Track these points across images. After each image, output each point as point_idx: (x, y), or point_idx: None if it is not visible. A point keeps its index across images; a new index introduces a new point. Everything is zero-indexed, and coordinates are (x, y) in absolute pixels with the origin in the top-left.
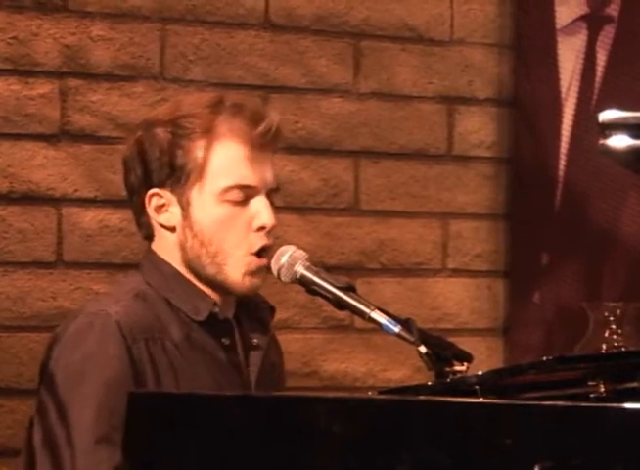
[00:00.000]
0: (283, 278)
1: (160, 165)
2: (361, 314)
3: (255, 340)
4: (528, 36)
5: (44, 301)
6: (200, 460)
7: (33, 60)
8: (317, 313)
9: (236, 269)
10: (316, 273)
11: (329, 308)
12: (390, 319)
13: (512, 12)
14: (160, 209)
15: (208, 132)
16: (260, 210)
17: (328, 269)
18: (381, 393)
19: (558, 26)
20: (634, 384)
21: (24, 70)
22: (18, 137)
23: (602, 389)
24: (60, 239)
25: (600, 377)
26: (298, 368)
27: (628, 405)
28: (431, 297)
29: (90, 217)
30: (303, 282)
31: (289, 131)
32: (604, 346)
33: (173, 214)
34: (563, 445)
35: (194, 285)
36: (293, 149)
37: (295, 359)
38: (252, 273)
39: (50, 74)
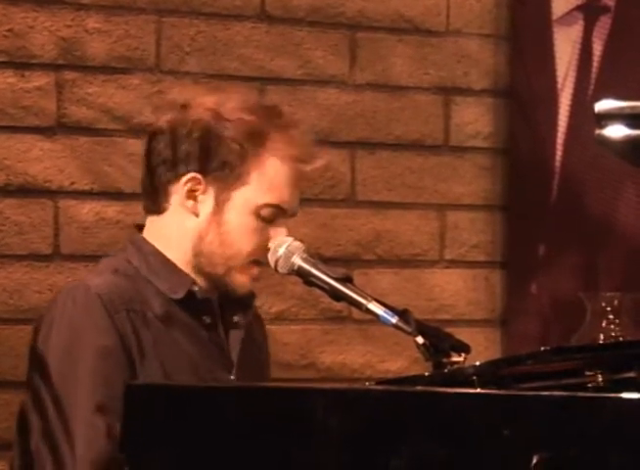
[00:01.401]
0: (280, 270)
1: (214, 156)
2: (358, 305)
3: (236, 318)
4: (525, 27)
5: (41, 293)
6: (194, 452)
7: (29, 52)
8: (315, 305)
9: (243, 276)
10: (313, 264)
11: (326, 300)
12: (388, 310)
13: (508, 2)
14: (192, 193)
15: (269, 144)
16: (280, 234)
17: (325, 261)
18: (378, 384)
19: (554, 17)
20: (631, 374)
21: (21, 63)
22: (14, 130)
23: (599, 379)
24: (56, 231)
25: (597, 367)
26: (296, 360)
27: (626, 395)
28: (427, 288)
29: (87, 210)
30: (301, 273)
31: None
32: (601, 336)
33: (203, 204)
34: (561, 435)
35: (173, 264)
36: None
37: (292, 351)
38: (254, 279)
39: (46, 67)
